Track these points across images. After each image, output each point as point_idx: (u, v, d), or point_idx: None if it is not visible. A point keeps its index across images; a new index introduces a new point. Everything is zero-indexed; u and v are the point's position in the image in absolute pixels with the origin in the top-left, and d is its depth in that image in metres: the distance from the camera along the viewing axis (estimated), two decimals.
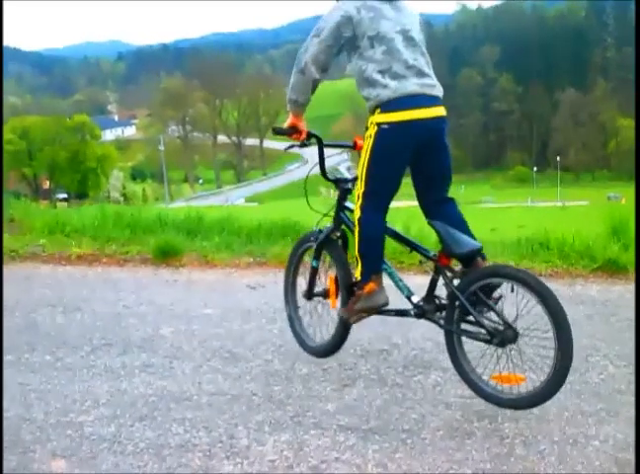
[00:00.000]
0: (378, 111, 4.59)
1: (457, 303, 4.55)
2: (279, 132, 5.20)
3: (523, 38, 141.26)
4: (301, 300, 5.58)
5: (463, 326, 4.60)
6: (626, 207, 9.65)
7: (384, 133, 4.57)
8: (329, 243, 5.25)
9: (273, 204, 64.52)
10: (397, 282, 4.95)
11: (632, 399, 4.72)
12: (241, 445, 4.17)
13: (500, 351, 4.46)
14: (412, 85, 4.55)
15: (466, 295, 4.49)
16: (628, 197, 64.38)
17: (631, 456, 4.01)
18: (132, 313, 6.60)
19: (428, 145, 4.65)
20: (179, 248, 8.40)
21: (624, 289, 7.12)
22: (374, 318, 5.38)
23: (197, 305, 6.81)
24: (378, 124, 4.58)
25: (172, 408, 4.66)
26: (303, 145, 5.17)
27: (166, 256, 8.29)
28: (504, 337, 4.38)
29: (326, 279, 5.28)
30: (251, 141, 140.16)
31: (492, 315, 4.46)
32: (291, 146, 5.33)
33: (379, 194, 4.74)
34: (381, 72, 4.58)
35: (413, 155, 4.66)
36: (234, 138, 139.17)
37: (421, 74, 4.60)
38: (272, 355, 5.54)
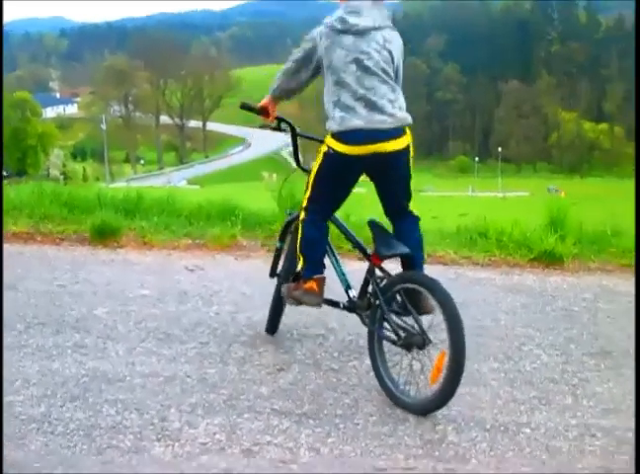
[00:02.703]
0: (329, 135, 4.65)
1: (377, 303, 4.64)
2: (245, 108, 5.22)
3: (470, 29, 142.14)
4: None
5: (385, 326, 4.65)
6: (565, 200, 9.77)
7: (329, 157, 4.68)
8: (291, 227, 5.34)
9: (214, 187, 64.24)
10: (339, 274, 5.05)
11: (565, 388, 4.79)
12: (173, 428, 4.14)
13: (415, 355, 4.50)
14: (357, 120, 4.53)
15: (388, 297, 4.59)
16: (568, 190, 65.27)
17: (561, 444, 4.07)
18: (67, 292, 6.50)
19: (375, 174, 4.73)
20: (117, 228, 8.29)
21: (560, 280, 7.21)
22: None
23: (133, 286, 6.73)
24: (328, 146, 4.66)
25: (104, 389, 4.61)
26: (277, 129, 5.22)
27: (103, 235, 8.17)
28: (410, 341, 4.44)
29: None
30: (194, 123, 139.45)
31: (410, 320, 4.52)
32: (264, 126, 5.33)
33: (323, 202, 4.87)
34: (333, 103, 4.64)
35: (366, 175, 4.76)
36: (177, 120, 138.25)
37: (371, 106, 4.55)
38: (207, 338, 5.50)
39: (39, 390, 4.56)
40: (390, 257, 4.67)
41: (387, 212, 4.92)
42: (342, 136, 4.56)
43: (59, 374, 4.81)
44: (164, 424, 4.19)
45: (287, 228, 5.44)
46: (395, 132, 4.59)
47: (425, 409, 4.35)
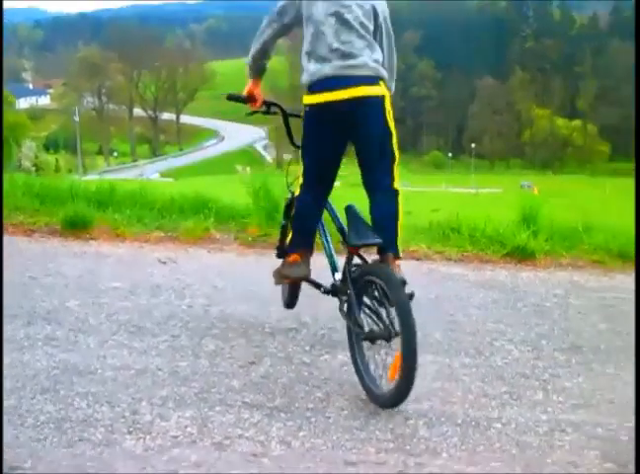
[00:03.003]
0: (305, 93, 4.66)
1: (349, 292, 4.65)
2: (232, 98, 5.29)
3: (445, 25, 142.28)
4: None
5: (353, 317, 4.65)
6: (538, 197, 9.81)
7: (308, 115, 4.68)
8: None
9: (188, 180, 64.05)
10: (328, 256, 5.08)
11: (535, 383, 4.81)
12: (144, 420, 4.13)
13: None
14: (330, 68, 4.54)
15: (359, 286, 4.58)
16: (540, 187, 65.60)
17: (531, 439, 4.09)
18: (38, 284, 6.46)
19: (354, 126, 4.63)
20: (89, 220, 8.24)
21: (532, 275, 7.24)
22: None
23: (105, 278, 6.70)
24: (304, 106, 4.67)
25: (75, 382, 4.58)
26: (267, 113, 5.28)
27: (75, 227, 8.13)
28: (374, 334, 4.43)
29: None
30: (167, 116, 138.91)
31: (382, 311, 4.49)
32: (254, 113, 5.37)
33: (314, 173, 4.83)
34: (307, 54, 4.66)
35: (347, 135, 4.69)
36: (150, 112, 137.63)
37: (345, 56, 4.55)
38: (179, 331, 5.48)
39: (9, 382, 4.52)
40: (360, 247, 4.61)
41: (364, 183, 4.80)
42: (314, 87, 4.59)
43: (30, 366, 4.78)
44: (135, 417, 4.17)
45: (290, 205, 5.37)
46: (368, 79, 4.57)
47: (384, 404, 4.34)
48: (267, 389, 4.58)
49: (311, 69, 4.61)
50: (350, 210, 4.68)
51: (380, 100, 4.62)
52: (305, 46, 4.68)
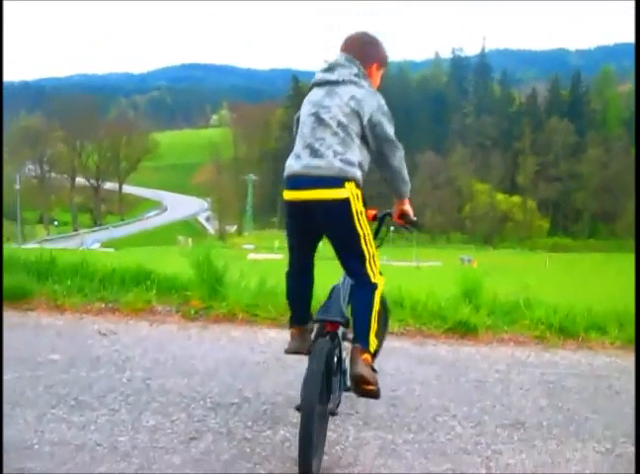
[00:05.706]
0: None
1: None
2: None
3: (386, 100, 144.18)
4: None
5: None
6: (478, 271, 9.85)
7: (284, 207, 4.74)
8: None
9: (129, 251, 63.64)
10: None
11: (478, 459, 4.78)
12: None
13: None
14: (298, 165, 4.57)
15: None
16: (480, 261, 66.25)
17: None
18: None
19: (319, 225, 4.66)
20: (28, 291, 8.15)
21: (474, 351, 7.25)
22: (225, 371, 5.34)
23: (44, 350, 6.59)
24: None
25: (11, 458, 4.47)
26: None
27: (14, 298, 8.01)
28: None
29: None
30: (110, 185, 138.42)
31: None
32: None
33: (293, 254, 4.92)
34: (292, 152, 4.70)
35: (317, 229, 4.73)
36: (93, 181, 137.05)
37: (314, 153, 4.56)
38: (119, 405, 5.39)
39: None
40: (316, 322, 4.65)
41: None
42: (287, 183, 4.64)
43: None
44: None
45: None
46: (331, 181, 4.51)
47: None
48: (208, 466, 4.50)
49: (287, 164, 4.67)
50: (332, 289, 4.86)
51: (343, 203, 4.54)
52: (294, 145, 4.78)
